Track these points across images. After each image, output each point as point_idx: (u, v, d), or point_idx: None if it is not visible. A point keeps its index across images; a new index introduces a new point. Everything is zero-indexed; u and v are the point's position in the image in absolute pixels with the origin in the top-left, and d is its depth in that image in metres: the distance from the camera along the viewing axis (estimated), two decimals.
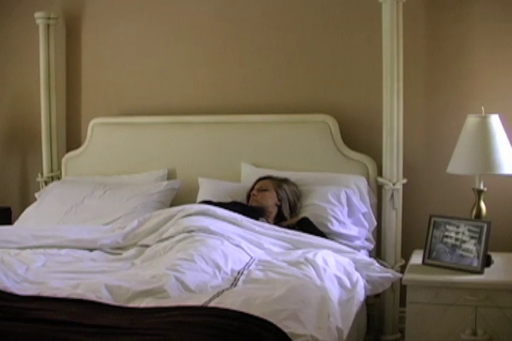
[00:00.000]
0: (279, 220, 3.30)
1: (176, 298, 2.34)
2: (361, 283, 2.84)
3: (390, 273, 3.02)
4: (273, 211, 3.32)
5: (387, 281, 3.02)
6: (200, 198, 3.51)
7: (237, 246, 2.85)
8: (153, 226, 3.08)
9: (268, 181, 3.38)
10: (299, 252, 2.86)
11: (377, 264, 3.04)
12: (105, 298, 2.30)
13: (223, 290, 2.38)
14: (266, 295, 2.28)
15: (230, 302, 2.21)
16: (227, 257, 2.71)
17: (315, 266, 2.68)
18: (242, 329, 1.98)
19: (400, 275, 3.09)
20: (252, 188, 3.40)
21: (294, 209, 3.36)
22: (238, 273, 2.62)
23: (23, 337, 1.92)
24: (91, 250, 3.05)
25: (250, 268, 2.68)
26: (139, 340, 1.91)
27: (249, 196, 3.39)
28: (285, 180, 3.40)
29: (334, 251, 2.96)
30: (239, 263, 2.71)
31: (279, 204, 3.32)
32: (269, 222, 3.23)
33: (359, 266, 2.95)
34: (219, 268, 2.62)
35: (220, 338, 1.92)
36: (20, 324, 2.02)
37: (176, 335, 1.92)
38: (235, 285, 2.50)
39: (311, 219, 3.23)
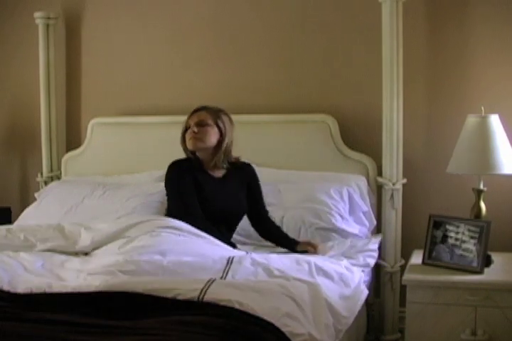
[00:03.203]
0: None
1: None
2: (361, 280, 2.81)
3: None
4: (214, 151, 2.96)
5: (374, 251, 3.08)
6: None
7: (215, 243, 2.79)
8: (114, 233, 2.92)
9: (205, 113, 2.94)
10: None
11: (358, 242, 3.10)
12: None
13: (214, 279, 2.32)
14: (263, 295, 2.27)
15: (227, 302, 2.20)
16: (209, 248, 2.69)
17: (309, 264, 2.65)
18: (242, 328, 1.98)
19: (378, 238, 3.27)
20: (187, 124, 2.94)
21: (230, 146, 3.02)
22: (228, 261, 2.56)
23: (23, 337, 1.92)
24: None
25: (240, 255, 2.65)
26: (140, 340, 1.91)
27: (183, 135, 2.98)
28: (221, 110, 3.01)
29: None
30: (225, 252, 2.68)
31: (220, 141, 2.94)
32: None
33: (345, 252, 2.98)
34: (203, 255, 2.59)
35: (219, 338, 1.92)
36: (20, 324, 2.02)
37: (176, 335, 1.92)
38: (227, 272, 2.47)
39: (314, 214, 3.21)
